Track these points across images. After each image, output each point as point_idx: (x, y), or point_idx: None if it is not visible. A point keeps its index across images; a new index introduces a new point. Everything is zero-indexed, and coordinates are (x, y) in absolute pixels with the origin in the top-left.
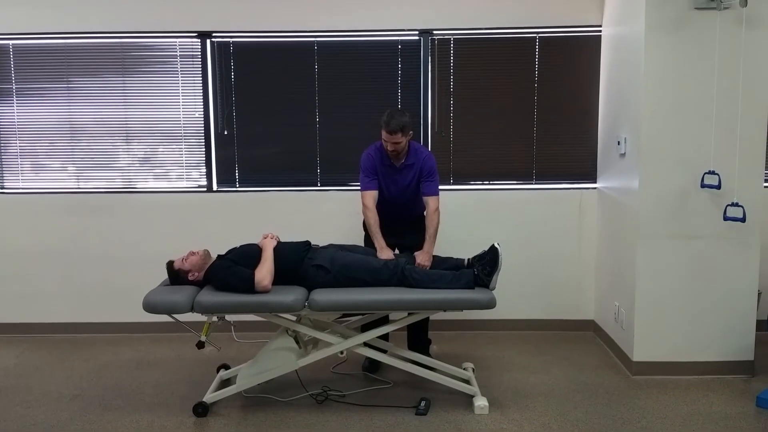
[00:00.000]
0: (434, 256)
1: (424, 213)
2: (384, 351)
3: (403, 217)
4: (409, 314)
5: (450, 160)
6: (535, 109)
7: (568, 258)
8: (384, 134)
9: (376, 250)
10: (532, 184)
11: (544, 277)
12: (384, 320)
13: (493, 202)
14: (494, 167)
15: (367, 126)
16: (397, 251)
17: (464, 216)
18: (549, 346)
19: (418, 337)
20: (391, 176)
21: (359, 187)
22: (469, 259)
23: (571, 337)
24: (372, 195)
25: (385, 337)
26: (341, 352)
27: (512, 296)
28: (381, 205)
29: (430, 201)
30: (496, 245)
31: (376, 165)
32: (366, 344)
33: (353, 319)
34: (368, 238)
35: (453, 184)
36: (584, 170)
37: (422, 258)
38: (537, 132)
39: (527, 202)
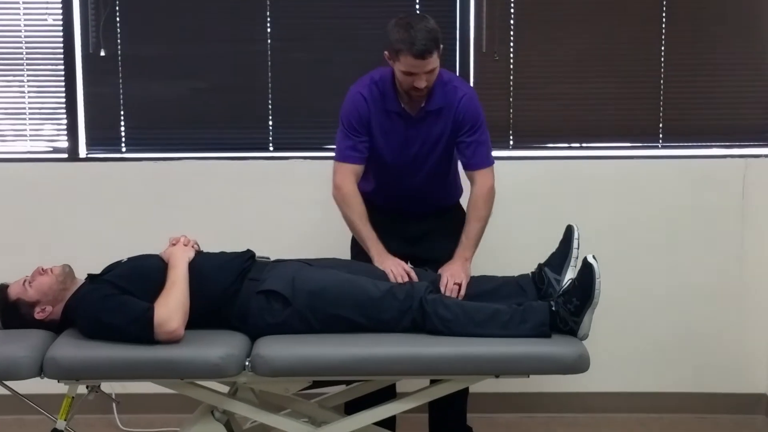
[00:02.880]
0: (475, 277)
1: (467, 199)
2: None
3: (421, 208)
4: (433, 383)
5: (509, 106)
6: (662, 17)
7: (720, 285)
8: (405, 62)
9: (370, 263)
10: (656, 148)
11: (676, 319)
12: (388, 393)
13: (585, 182)
14: (586, 119)
15: (358, 45)
16: (409, 265)
17: (530, 204)
18: None
19: (450, 423)
20: (402, 133)
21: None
22: (536, 270)
23: (726, 424)
24: (352, 171)
25: (389, 423)
26: None
27: (618, 353)
28: (382, 186)
29: (478, 177)
30: (589, 260)
31: (368, 116)
32: None
33: (332, 390)
34: (359, 245)
35: (513, 148)
36: (751, 124)
37: (452, 274)
38: (666, 57)
39: (647, 180)
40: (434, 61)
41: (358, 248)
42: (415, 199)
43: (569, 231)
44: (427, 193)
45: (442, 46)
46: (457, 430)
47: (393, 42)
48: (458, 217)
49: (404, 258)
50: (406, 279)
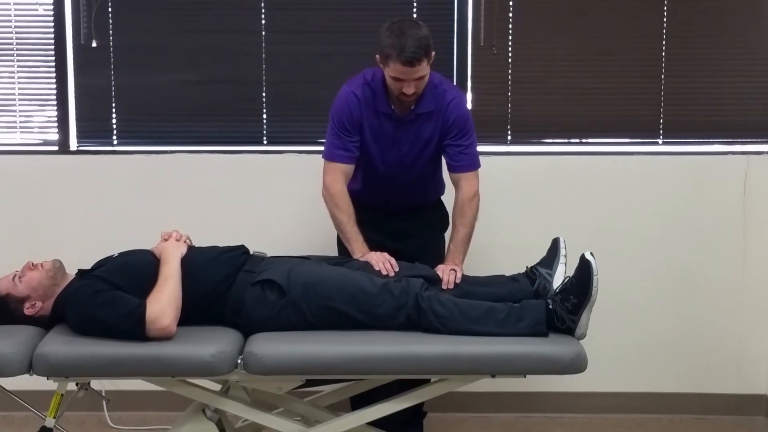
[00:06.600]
0: (469, 277)
1: (449, 196)
2: None
3: (405, 205)
4: (423, 382)
5: (507, 100)
6: (664, 11)
7: (720, 285)
8: (394, 68)
9: (366, 265)
10: (656, 144)
11: (676, 318)
12: (381, 392)
13: (584, 178)
14: (586, 114)
15: (353, 38)
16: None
17: (528, 201)
18: None
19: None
20: (392, 134)
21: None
22: (529, 267)
23: (726, 425)
24: (342, 171)
25: (385, 424)
26: None
27: (616, 353)
28: (370, 185)
29: (463, 181)
30: (587, 257)
31: (360, 116)
32: None
33: (325, 389)
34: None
35: (511, 143)
36: (753, 121)
37: (447, 272)
38: (667, 52)
39: (647, 177)
40: (423, 69)
41: (343, 247)
42: (401, 197)
43: (555, 241)
44: (413, 191)
45: (434, 53)
46: (414, 415)
47: (384, 47)
48: (440, 213)
49: (388, 252)
50: (388, 266)
